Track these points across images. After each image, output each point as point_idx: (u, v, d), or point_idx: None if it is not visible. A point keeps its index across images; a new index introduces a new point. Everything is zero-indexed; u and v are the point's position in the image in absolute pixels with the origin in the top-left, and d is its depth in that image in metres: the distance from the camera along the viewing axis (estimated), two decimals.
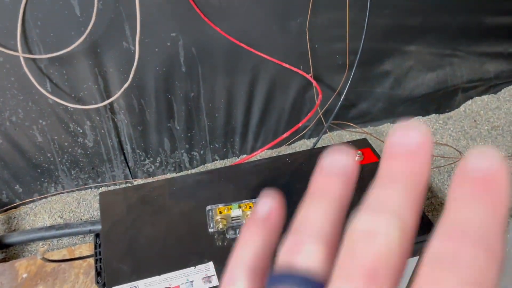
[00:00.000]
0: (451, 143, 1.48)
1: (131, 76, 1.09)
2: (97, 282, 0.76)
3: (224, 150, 1.46)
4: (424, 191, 0.18)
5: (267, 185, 0.94)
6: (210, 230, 0.79)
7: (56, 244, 1.19)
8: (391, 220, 0.17)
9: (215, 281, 0.71)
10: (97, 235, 0.83)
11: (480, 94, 1.65)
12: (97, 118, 1.21)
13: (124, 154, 1.33)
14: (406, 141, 0.18)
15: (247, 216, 0.78)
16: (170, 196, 0.87)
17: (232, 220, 0.79)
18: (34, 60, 1.07)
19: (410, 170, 0.18)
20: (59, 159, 1.26)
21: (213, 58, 1.21)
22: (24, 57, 1.04)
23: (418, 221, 0.18)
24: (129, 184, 1.36)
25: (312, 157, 0.96)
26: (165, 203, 0.85)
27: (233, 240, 0.78)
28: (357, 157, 0.94)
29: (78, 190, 1.34)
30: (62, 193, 1.33)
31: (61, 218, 1.25)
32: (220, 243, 0.77)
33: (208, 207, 0.78)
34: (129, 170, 1.37)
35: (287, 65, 1.26)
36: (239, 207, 0.78)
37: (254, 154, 1.36)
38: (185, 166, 1.44)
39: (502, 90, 1.67)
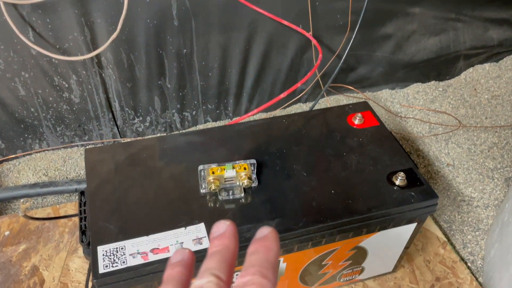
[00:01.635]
0: (450, 111, 1.44)
1: (119, 27, 1.02)
2: (81, 241, 0.72)
3: (217, 111, 1.41)
4: (234, 258, 0.33)
5: (263, 147, 0.90)
6: (202, 191, 0.75)
7: (41, 202, 1.15)
8: (210, 278, 0.29)
9: (206, 242, 0.68)
10: (82, 193, 0.78)
11: (482, 62, 1.61)
12: (84, 72, 1.15)
13: (112, 112, 1.27)
14: (219, 230, 0.34)
15: (241, 177, 0.74)
16: (160, 155, 0.82)
17: (225, 181, 0.75)
18: (15, 6, 0.99)
19: (223, 246, 0.33)
20: (44, 114, 1.20)
21: (208, 12, 1.14)
22: (4, 2, 0.96)
23: (232, 276, 0.31)
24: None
25: (310, 119, 0.92)
26: (155, 163, 0.81)
27: (226, 201, 0.74)
28: (357, 120, 0.89)
29: (64, 147, 1.29)
30: (47, 150, 1.28)
31: (46, 176, 1.21)
32: (212, 205, 0.73)
33: (200, 167, 0.73)
34: (118, 129, 1.32)
35: (286, 22, 1.19)
36: (233, 167, 0.74)
37: (248, 115, 1.31)
38: (176, 126, 1.39)
39: (504, 59, 1.63)
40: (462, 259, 1.02)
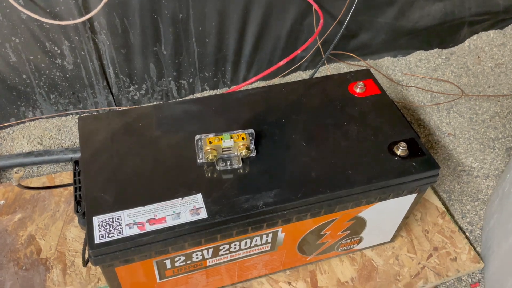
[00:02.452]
0: (453, 79, 1.41)
1: None
2: (77, 211, 0.71)
3: (215, 79, 1.38)
4: None
5: (261, 116, 0.87)
6: (199, 161, 0.73)
7: (36, 171, 1.13)
8: None
9: (203, 213, 0.67)
10: (76, 162, 0.77)
11: (486, 29, 1.57)
12: (76, 37, 1.11)
13: (106, 79, 1.24)
14: None
15: (239, 147, 0.72)
16: (156, 124, 0.80)
17: (223, 151, 0.73)
18: None
19: None
20: (36, 81, 1.17)
21: None
22: None
23: None
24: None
25: (310, 87, 0.89)
26: (151, 131, 0.79)
27: (224, 172, 0.72)
28: (359, 89, 0.87)
29: (58, 116, 1.26)
30: (41, 118, 1.25)
31: (40, 144, 1.19)
32: (209, 175, 0.72)
33: (197, 137, 0.71)
34: (113, 97, 1.29)
35: None
36: (231, 137, 0.72)
37: (246, 83, 1.28)
38: (173, 95, 1.36)
39: (509, 26, 1.59)
40: (461, 229, 1.02)
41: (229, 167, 0.73)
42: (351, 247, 0.90)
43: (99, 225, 0.65)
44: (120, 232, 0.64)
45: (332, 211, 0.75)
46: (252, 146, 0.75)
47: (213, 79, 1.37)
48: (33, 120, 1.25)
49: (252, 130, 0.74)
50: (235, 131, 0.73)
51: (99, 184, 0.70)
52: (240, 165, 0.73)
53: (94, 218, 0.66)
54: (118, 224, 0.65)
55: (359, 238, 0.88)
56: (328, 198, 0.72)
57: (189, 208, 0.68)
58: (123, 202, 0.68)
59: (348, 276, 0.90)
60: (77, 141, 1.21)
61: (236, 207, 0.68)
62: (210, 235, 0.69)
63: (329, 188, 0.72)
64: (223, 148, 0.73)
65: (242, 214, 0.68)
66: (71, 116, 1.27)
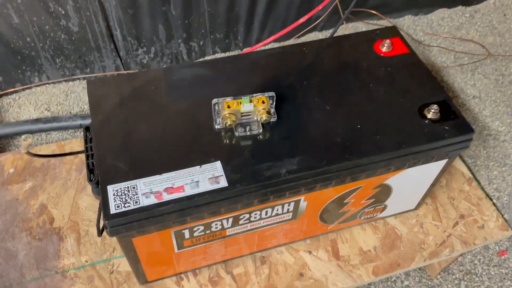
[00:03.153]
0: (477, 39, 1.33)
1: None
2: (90, 180, 0.67)
3: (226, 41, 1.31)
4: None
5: (281, 78, 0.82)
6: (216, 126, 0.69)
7: (45, 139, 1.10)
8: None
9: (223, 181, 0.63)
10: (87, 129, 0.73)
11: None
12: None
13: (114, 42, 1.18)
14: None
15: (259, 111, 0.68)
16: (169, 88, 0.75)
17: (242, 116, 0.68)
18: None
19: None
20: (41, 44, 1.12)
21: None
22: None
23: None
24: None
25: (333, 46, 0.83)
26: (163, 96, 0.74)
27: (243, 138, 0.68)
28: (385, 47, 0.81)
29: (65, 81, 1.22)
30: (48, 83, 1.21)
31: (48, 111, 1.15)
32: (227, 141, 0.68)
33: (215, 101, 0.67)
34: (121, 60, 1.23)
35: None
36: (250, 101, 0.67)
37: (259, 45, 1.22)
38: (183, 58, 1.31)
39: None
40: (488, 195, 0.97)
41: (248, 133, 0.69)
42: (374, 215, 0.87)
43: (114, 195, 0.62)
44: (136, 202, 0.61)
45: (357, 179, 0.71)
46: (273, 110, 0.70)
47: (224, 41, 1.31)
48: (39, 85, 1.20)
49: (273, 93, 0.69)
50: (254, 95, 0.68)
51: (113, 152, 0.66)
52: (260, 130, 0.69)
53: (109, 187, 0.62)
54: (134, 193, 0.62)
55: (383, 206, 0.84)
56: (355, 165, 0.68)
57: (208, 177, 0.64)
58: (138, 170, 0.64)
59: (371, 245, 0.87)
60: (86, 107, 1.16)
61: (257, 175, 0.64)
62: (231, 204, 0.65)
63: (356, 155, 0.67)
64: (242, 113, 0.68)
65: (264, 183, 0.64)
66: (79, 81, 1.23)
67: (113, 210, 0.60)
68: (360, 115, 0.72)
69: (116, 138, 0.68)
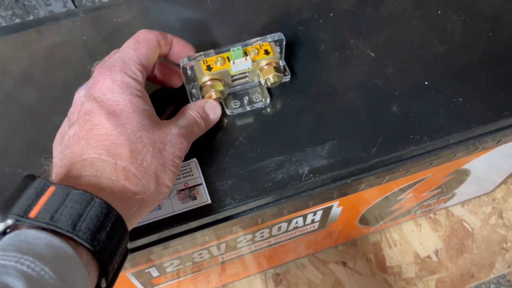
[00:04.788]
0: None
1: None
2: None
3: None
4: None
5: (290, 10, 0.49)
6: (192, 99, 0.40)
7: None
8: None
9: (203, 195, 0.36)
10: None
11: None
12: None
13: None
14: None
15: (263, 68, 0.39)
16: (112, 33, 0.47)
17: (234, 80, 0.40)
18: None
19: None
20: None
21: None
22: None
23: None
24: None
25: None
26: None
27: (239, 117, 0.40)
28: None
29: None
30: None
31: None
32: (212, 128, 0.40)
33: (184, 61, 0.38)
34: (74, 2, 0.93)
35: None
36: (245, 53, 0.39)
37: None
38: None
39: None
40: None
41: (248, 108, 0.40)
42: (435, 207, 0.60)
43: None
44: None
45: (425, 168, 0.44)
46: (283, 64, 0.41)
47: None
48: None
49: (281, 35, 0.40)
50: (251, 41, 0.39)
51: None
52: (268, 101, 0.40)
53: None
54: None
55: (450, 195, 0.58)
56: (424, 151, 0.40)
57: (177, 188, 0.37)
58: None
59: (431, 248, 0.61)
60: None
61: (259, 180, 0.37)
62: (218, 230, 0.39)
63: (425, 134, 0.39)
64: (233, 76, 0.40)
65: (270, 194, 0.37)
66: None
67: None
68: (426, 66, 0.43)
69: None
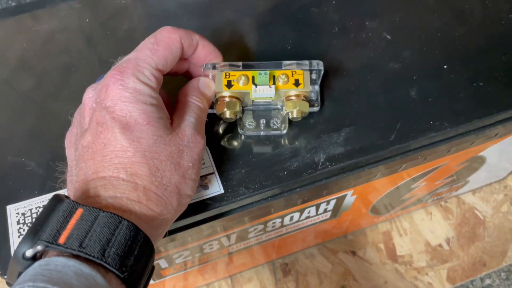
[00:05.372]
0: None
1: None
2: None
3: None
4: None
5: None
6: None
7: None
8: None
9: (215, 185, 0.35)
10: None
11: None
12: None
13: None
14: None
15: (289, 101, 0.35)
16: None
17: (254, 101, 0.36)
18: None
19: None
20: None
21: None
22: None
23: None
24: None
25: None
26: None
27: (250, 140, 0.38)
28: None
29: None
30: None
31: None
32: (219, 145, 0.38)
33: (208, 67, 0.35)
34: None
35: None
36: (272, 79, 0.34)
37: None
38: None
39: None
40: None
41: (262, 133, 0.37)
42: (447, 195, 0.59)
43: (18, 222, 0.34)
44: None
45: (443, 155, 0.42)
46: (317, 90, 0.37)
47: None
48: None
49: (320, 64, 0.35)
50: (284, 62, 0.35)
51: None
52: (285, 131, 0.37)
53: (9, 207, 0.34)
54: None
55: (463, 182, 0.56)
56: (446, 136, 0.38)
57: None
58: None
59: (442, 236, 0.60)
60: None
61: (274, 170, 0.36)
62: (229, 221, 0.37)
63: (446, 120, 0.38)
64: (253, 100, 0.36)
65: (284, 183, 0.35)
66: None
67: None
68: (445, 48, 0.42)
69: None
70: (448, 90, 0.39)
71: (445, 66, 0.40)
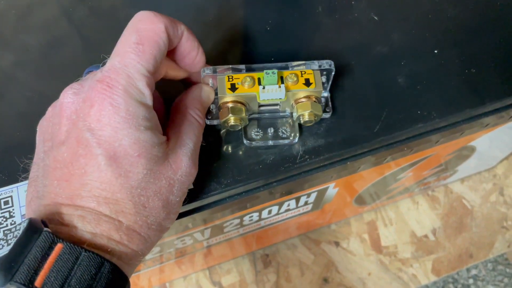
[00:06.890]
0: None
1: None
2: None
3: None
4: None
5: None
6: (206, 121, 0.33)
7: None
8: None
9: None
10: None
11: None
12: None
13: None
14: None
15: (299, 104, 0.31)
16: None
17: (260, 106, 0.32)
18: None
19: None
20: None
21: None
22: None
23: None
24: None
25: None
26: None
27: (259, 149, 0.34)
28: None
29: None
30: None
31: None
32: (225, 151, 0.35)
33: (206, 71, 0.30)
34: None
35: None
36: (280, 80, 0.30)
37: None
38: None
39: None
40: None
41: (270, 143, 0.33)
42: (435, 184, 0.57)
43: None
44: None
45: (431, 146, 0.40)
46: (328, 94, 0.34)
47: None
48: None
49: (330, 63, 0.32)
50: (292, 63, 0.32)
51: None
52: (296, 140, 0.33)
53: None
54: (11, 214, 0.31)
55: (452, 172, 0.54)
56: (434, 127, 0.36)
57: None
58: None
59: (428, 227, 0.58)
60: None
61: (249, 164, 0.33)
62: (204, 216, 0.35)
63: (435, 110, 0.35)
64: (260, 103, 0.33)
65: (260, 179, 0.33)
66: None
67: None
68: (436, 31, 0.39)
69: None
70: (438, 77, 0.36)
71: (435, 51, 0.38)
